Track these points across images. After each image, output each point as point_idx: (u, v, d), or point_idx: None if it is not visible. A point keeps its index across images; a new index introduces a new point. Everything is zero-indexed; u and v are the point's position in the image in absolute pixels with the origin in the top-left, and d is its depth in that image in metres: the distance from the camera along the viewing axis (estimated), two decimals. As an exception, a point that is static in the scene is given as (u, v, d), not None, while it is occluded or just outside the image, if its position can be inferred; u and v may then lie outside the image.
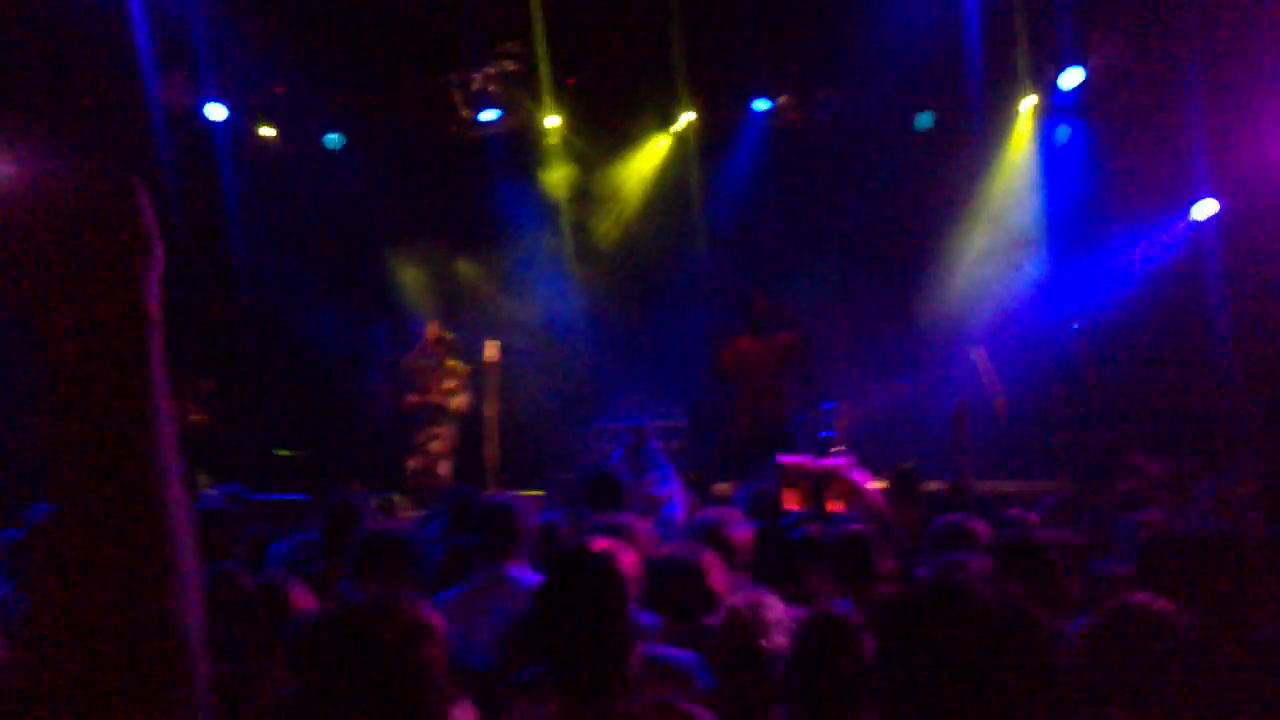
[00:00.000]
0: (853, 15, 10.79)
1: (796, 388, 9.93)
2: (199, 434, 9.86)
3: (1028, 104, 11.44)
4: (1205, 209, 10.84)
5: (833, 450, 10.58)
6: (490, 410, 10.05)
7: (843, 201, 11.95)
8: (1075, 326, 9.76)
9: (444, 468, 10.04)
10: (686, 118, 12.18)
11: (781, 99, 12.06)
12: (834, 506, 5.29)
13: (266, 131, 12.04)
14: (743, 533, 4.52)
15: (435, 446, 10.06)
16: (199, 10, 10.76)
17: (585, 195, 12.37)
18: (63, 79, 10.14)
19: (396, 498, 8.20)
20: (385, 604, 2.19)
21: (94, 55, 10.18)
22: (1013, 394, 9.63)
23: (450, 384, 10.25)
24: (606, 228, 12.38)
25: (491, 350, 10.12)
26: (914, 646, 1.93)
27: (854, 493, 5.65)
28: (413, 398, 10.12)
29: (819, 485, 5.60)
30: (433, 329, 10.26)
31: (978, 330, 10.56)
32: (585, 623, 2.59)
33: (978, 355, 9.71)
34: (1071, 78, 11.17)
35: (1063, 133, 11.52)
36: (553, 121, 12.18)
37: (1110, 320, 10.33)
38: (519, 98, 12.12)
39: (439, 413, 10.18)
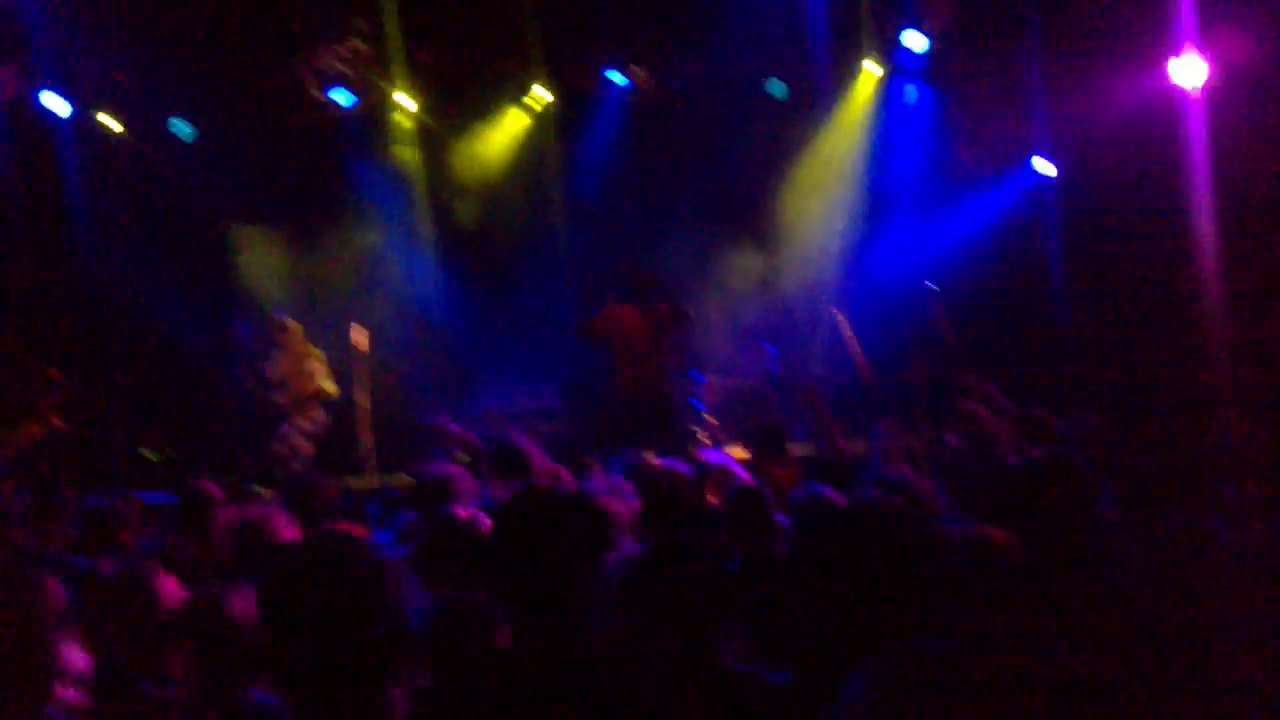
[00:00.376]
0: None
1: (674, 358, 10.11)
2: (61, 440, 9.58)
3: (873, 67, 11.71)
4: (1044, 167, 11.33)
5: (703, 419, 10.88)
6: (361, 398, 10.03)
7: (702, 171, 12.14)
8: (929, 285, 10.13)
9: (306, 449, 10.04)
10: (542, 93, 12.16)
11: (636, 71, 12.14)
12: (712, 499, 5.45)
13: (110, 122, 11.60)
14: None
15: (298, 432, 10.05)
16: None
17: (443, 175, 12.33)
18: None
19: (258, 488, 8.17)
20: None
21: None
22: (873, 354, 9.99)
23: (310, 368, 10.22)
24: (466, 207, 12.35)
25: (359, 336, 10.12)
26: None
27: (725, 476, 5.81)
28: (280, 398, 10.07)
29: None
30: (276, 322, 10.18)
31: (837, 294, 10.89)
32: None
33: (839, 319, 10.04)
34: (915, 40, 11.50)
35: (910, 94, 11.87)
36: (405, 101, 12.05)
37: (960, 277, 10.75)
38: (371, 77, 11.96)
39: (302, 400, 10.14)
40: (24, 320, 10.69)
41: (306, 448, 10.20)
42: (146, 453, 10.63)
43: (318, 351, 10.39)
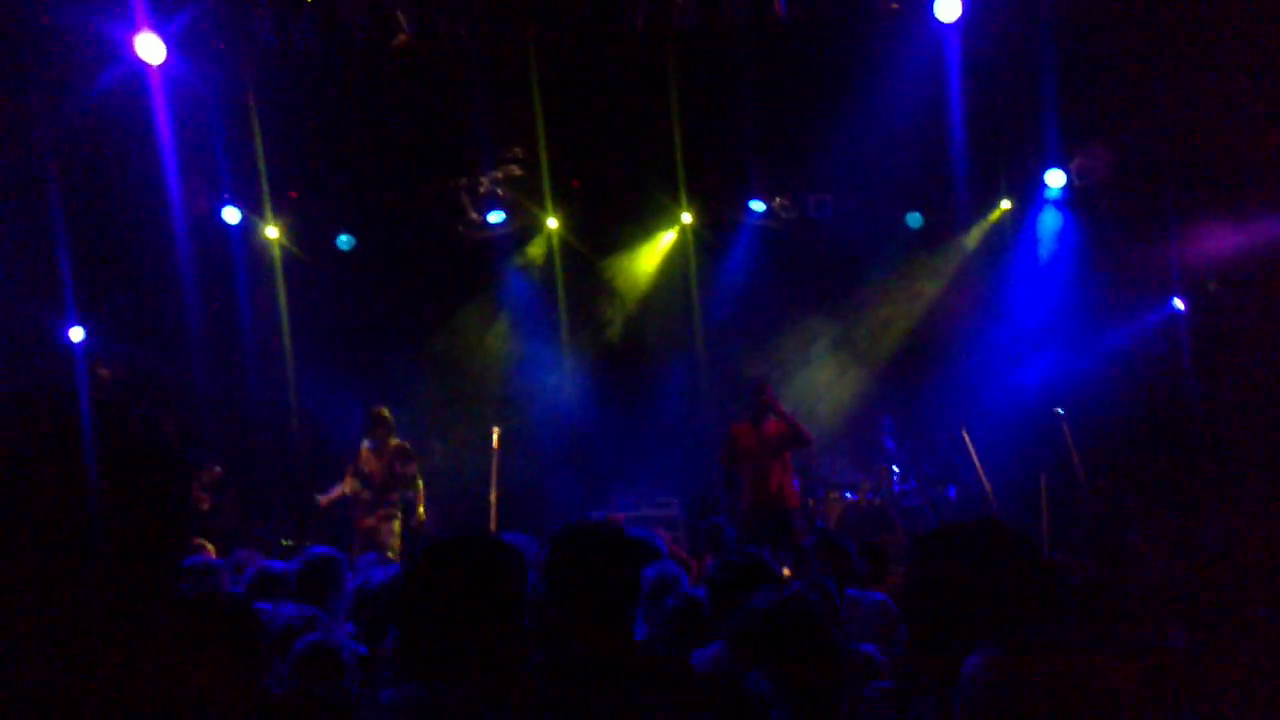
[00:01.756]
0: (844, 120, 11.32)
1: (796, 475, 10.25)
2: (206, 518, 10.24)
3: (1011, 203, 11.91)
4: (1180, 307, 11.34)
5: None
6: (493, 495, 10.42)
7: (837, 298, 12.40)
8: (1059, 411, 10.12)
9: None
10: (685, 219, 12.67)
11: (776, 200, 12.55)
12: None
13: (276, 233, 12.54)
14: None
15: (379, 521, 10.37)
16: (218, 117, 11.33)
17: (586, 293, 12.87)
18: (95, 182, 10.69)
19: None
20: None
21: (124, 159, 10.75)
22: (999, 477, 9.99)
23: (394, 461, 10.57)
24: (605, 323, 12.86)
25: (495, 437, 10.57)
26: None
27: None
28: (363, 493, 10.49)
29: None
30: (379, 411, 10.68)
31: (967, 417, 10.92)
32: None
33: (965, 440, 10.09)
34: (1056, 178, 11.68)
35: (1048, 228, 12.00)
36: (554, 223, 12.71)
37: (1093, 405, 10.71)
38: (524, 200, 12.68)
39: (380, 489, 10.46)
40: (185, 413, 11.46)
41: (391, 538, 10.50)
42: (285, 541, 11.19)
43: (404, 443, 10.76)
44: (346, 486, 10.59)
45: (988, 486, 10.00)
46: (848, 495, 11.55)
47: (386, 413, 10.69)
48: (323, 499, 10.63)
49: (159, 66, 10.05)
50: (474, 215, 12.89)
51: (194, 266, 11.70)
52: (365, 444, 10.64)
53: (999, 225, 12.38)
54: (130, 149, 11.04)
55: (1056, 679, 1.77)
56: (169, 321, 11.87)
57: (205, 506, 10.38)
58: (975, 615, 2.28)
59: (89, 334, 11.54)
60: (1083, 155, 11.87)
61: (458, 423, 12.31)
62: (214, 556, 7.47)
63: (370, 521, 10.46)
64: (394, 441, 10.63)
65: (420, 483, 10.67)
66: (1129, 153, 11.60)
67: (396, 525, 10.53)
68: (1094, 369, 11.37)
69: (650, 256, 13.14)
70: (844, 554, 6.29)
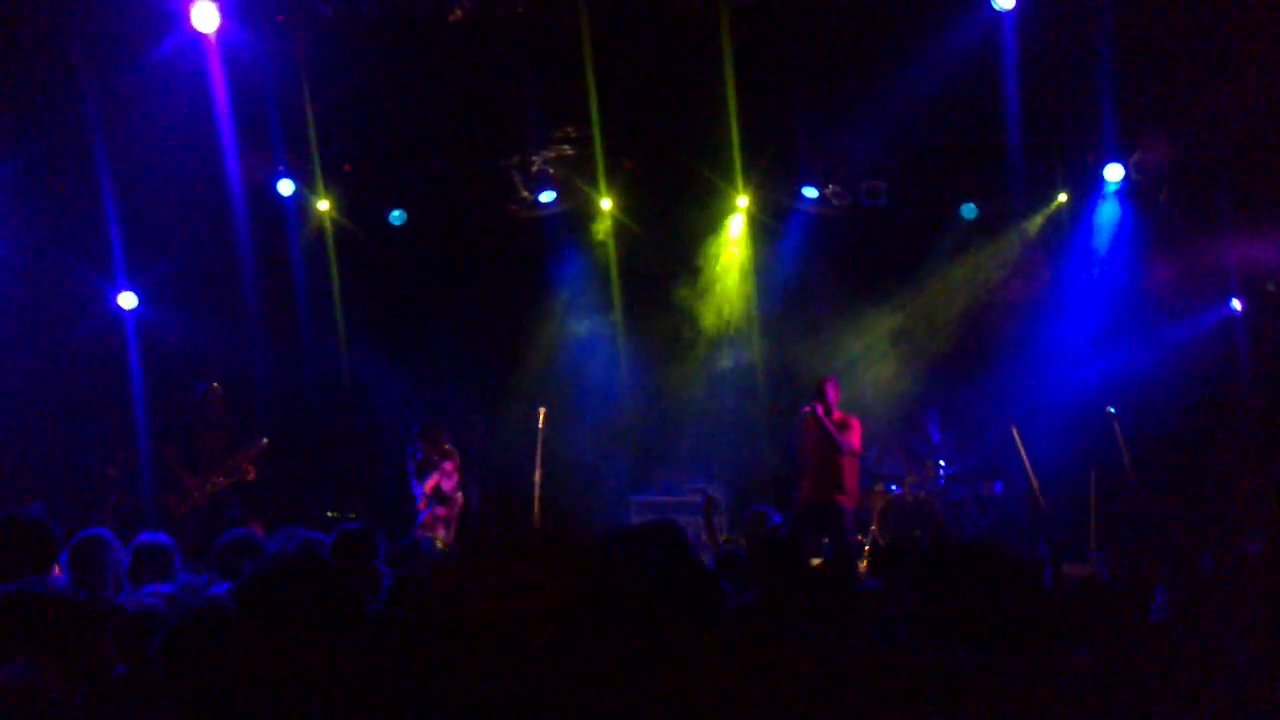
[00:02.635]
0: (899, 107, 11.23)
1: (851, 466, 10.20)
2: (253, 489, 10.38)
3: (1069, 195, 11.77)
4: (1238, 307, 11.18)
5: (868, 528, 10.94)
6: (537, 474, 10.49)
7: (890, 288, 12.34)
8: (1110, 411, 10.02)
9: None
10: (742, 203, 12.61)
11: (829, 187, 12.46)
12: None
13: (327, 205, 12.61)
14: None
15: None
16: (275, 88, 11.39)
17: (638, 275, 12.83)
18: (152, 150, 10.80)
19: None
20: None
21: (182, 128, 10.84)
22: (1048, 473, 9.91)
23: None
24: (659, 307, 12.80)
25: (542, 417, 10.64)
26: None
27: None
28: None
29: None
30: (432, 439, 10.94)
31: (1018, 412, 10.82)
32: None
33: (1015, 435, 10.01)
34: (1114, 172, 11.53)
35: (1105, 222, 11.86)
36: (608, 204, 12.69)
37: (1147, 405, 10.60)
38: (576, 180, 12.67)
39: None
40: (235, 382, 11.56)
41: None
42: (332, 514, 11.30)
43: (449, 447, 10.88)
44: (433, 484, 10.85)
45: (1034, 483, 9.92)
46: (893, 488, 11.49)
47: (436, 429, 11.03)
48: (427, 486, 10.79)
49: (215, 35, 10.14)
50: (525, 194, 12.91)
51: (248, 237, 11.80)
52: (446, 464, 10.90)
53: (1056, 218, 12.26)
54: (185, 118, 11.14)
55: None
56: (222, 291, 11.99)
57: (251, 477, 10.49)
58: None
59: (142, 301, 11.68)
60: (1142, 149, 11.70)
61: (505, 401, 12.35)
62: (260, 532, 7.56)
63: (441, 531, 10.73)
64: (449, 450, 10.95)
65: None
66: (1189, 148, 11.43)
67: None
68: (1149, 368, 11.24)
69: (706, 240, 13.07)
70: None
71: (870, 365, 12.55)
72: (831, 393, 10.17)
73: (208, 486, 10.21)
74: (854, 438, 10.02)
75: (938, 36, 10.49)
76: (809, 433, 10.15)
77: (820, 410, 10.02)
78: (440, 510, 10.76)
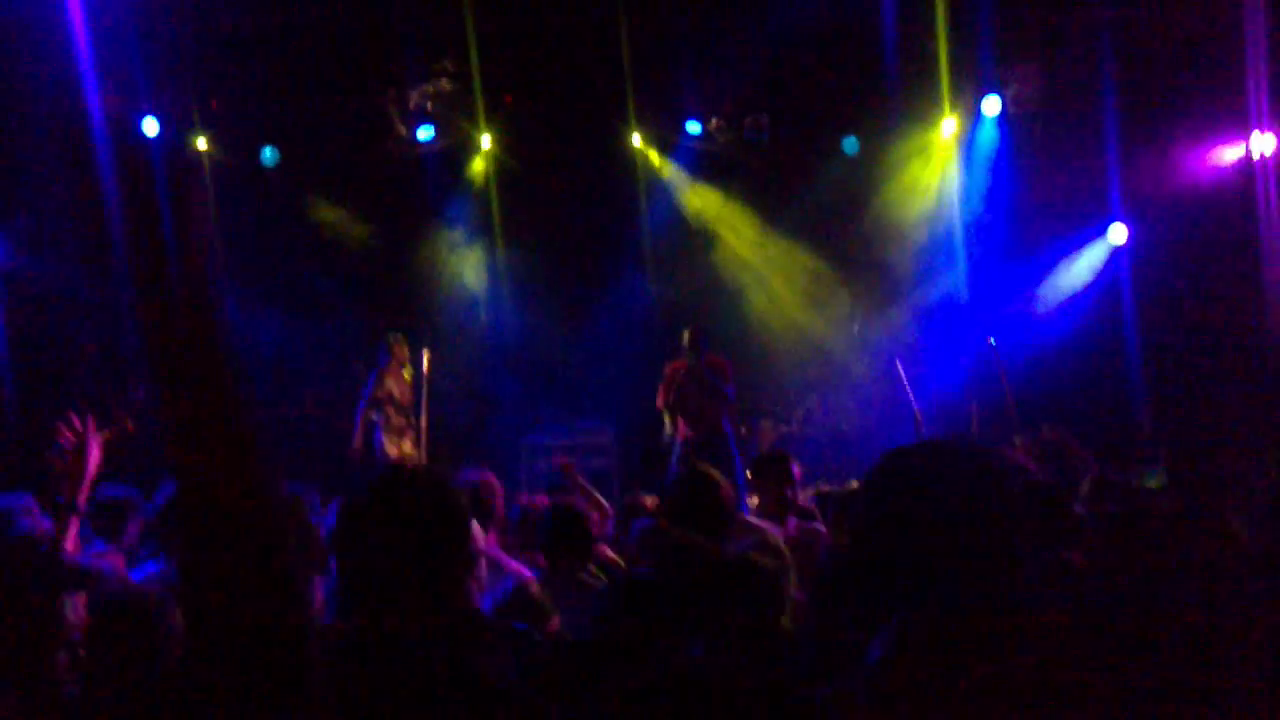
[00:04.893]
0: (780, 43, 11.33)
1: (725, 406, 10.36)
2: (131, 442, 10.15)
3: (948, 127, 11.99)
4: (1118, 233, 11.51)
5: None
6: (423, 420, 10.47)
7: (774, 222, 12.48)
8: (991, 342, 10.32)
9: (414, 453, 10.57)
10: (635, 140, 12.64)
11: (713, 122, 12.53)
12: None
13: (203, 145, 12.30)
14: None
15: (412, 446, 10.56)
16: (134, 23, 11.02)
17: (520, 212, 12.79)
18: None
19: None
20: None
21: (35, 66, 10.44)
22: (928, 405, 10.20)
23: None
24: (542, 245, 12.78)
25: (426, 361, 10.60)
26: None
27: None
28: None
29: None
30: (399, 345, 10.95)
31: (897, 345, 11.10)
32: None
33: (896, 368, 10.27)
34: (991, 105, 11.78)
35: (983, 152, 12.14)
36: (488, 142, 12.60)
37: (1026, 336, 10.97)
38: (456, 116, 12.53)
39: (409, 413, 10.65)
40: (107, 334, 11.30)
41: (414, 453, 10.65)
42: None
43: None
44: (370, 414, 10.81)
45: (918, 414, 10.21)
46: (780, 425, 11.75)
47: (404, 338, 10.97)
48: (357, 444, 10.74)
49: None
50: (402, 130, 12.73)
51: (112, 180, 11.43)
52: (383, 369, 10.87)
53: (936, 149, 12.46)
54: (42, 54, 10.73)
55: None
56: (87, 237, 11.64)
57: (131, 429, 10.27)
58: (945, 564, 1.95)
59: (5, 251, 11.32)
60: (1017, 81, 11.98)
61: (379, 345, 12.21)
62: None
63: (407, 447, 10.73)
64: (409, 367, 10.92)
65: None
66: (1061, 78, 11.73)
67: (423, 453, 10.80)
68: (1030, 299, 11.63)
69: (590, 176, 13.06)
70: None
71: (755, 296, 12.74)
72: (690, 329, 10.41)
73: (90, 440, 9.96)
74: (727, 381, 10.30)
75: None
76: (675, 373, 10.36)
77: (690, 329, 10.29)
78: (399, 420, 10.76)
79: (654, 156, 13.05)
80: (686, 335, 10.27)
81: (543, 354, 12.71)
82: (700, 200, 13.05)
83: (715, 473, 4.85)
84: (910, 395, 10.17)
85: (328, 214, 12.91)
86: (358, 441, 10.84)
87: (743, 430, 11.83)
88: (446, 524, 2.54)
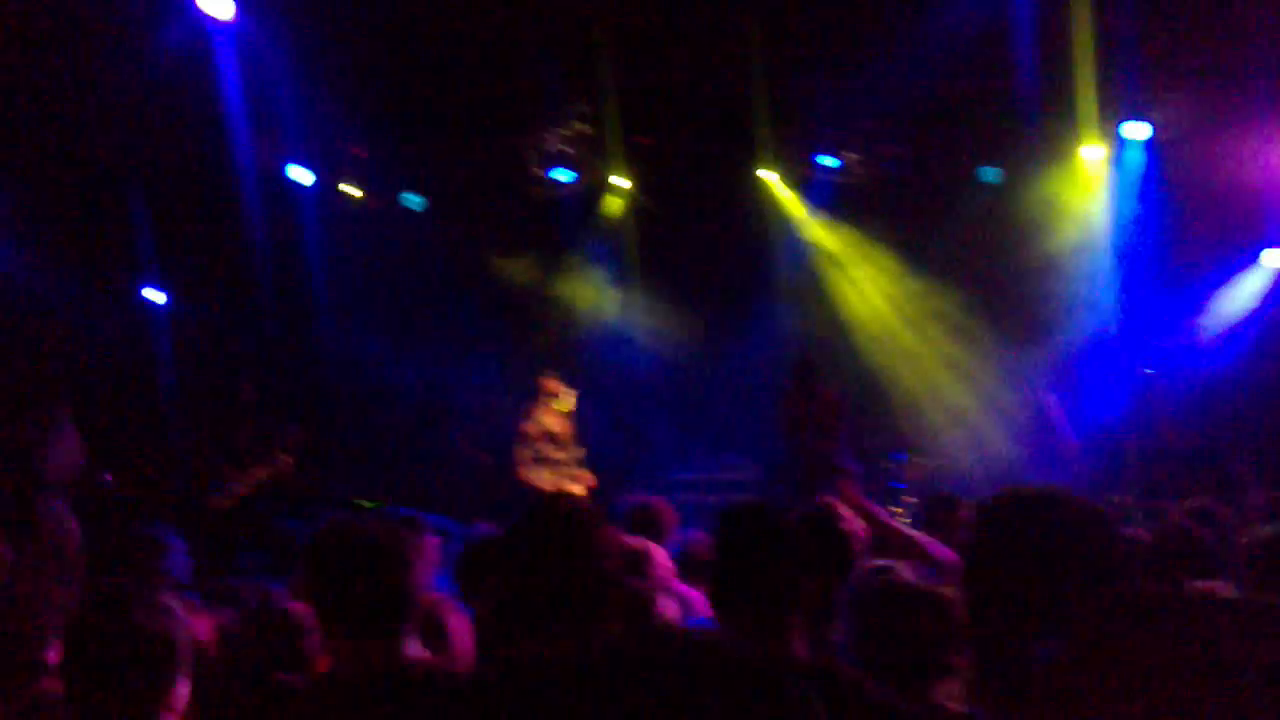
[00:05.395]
0: (915, 71, 11.27)
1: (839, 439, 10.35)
2: (286, 480, 10.42)
3: (1093, 153, 11.77)
4: (1275, 259, 11.19)
5: (902, 500, 11.03)
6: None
7: (911, 254, 12.38)
8: (1148, 371, 10.10)
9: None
10: (766, 175, 12.65)
11: (848, 155, 12.50)
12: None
13: (350, 190, 12.64)
14: None
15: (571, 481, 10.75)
16: (280, 72, 11.39)
17: (658, 251, 12.87)
18: (156, 140, 10.82)
19: None
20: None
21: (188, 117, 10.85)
22: (1082, 439, 10.00)
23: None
24: (677, 281, 12.84)
25: (572, 399, 10.74)
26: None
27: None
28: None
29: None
30: (550, 379, 11.00)
31: (1051, 378, 10.88)
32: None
33: (1050, 402, 10.09)
34: (1137, 130, 11.56)
35: (1130, 179, 11.90)
36: (625, 182, 12.73)
37: (1184, 369, 10.69)
38: (592, 158, 12.71)
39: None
40: (262, 373, 11.61)
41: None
42: (363, 502, 11.36)
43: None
44: (521, 450, 10.90)
45: (1074, 447, 10.01)
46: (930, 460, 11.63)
47: (555, 374, 11.08)
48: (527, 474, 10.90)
49: (224, 23, 10.11)
50: (539, 173, 12.95)
51: (265, 226, 11.83)
52: (536, 406, 10.97)
53: (1081, 176, 12.23)
54: (199, 107, 11.15)
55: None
56: (243, 283, 12.03)
57: (289, 468, 10.54)
58: (1047, 594, 2.18)
59: (169, 296, 11.74)
60: (1163, 105, 11.74)
61: (529, 381, 12.37)
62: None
63: (564, 482, 10.78)
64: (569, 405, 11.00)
65: None
66: (1211, 102, 11.47)
67: (583, 488, 10.83)
68: (1187, 329, 11.35)
69: (727, 213, 13.11)
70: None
71: (902, 333, 12.65)
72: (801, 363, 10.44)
73: (249, 480, 10.26)
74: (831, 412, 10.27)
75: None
76: (794, 406, 10.36)
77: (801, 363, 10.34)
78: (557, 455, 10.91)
79: (790, 192, 13.07)
80: (796, 371, 10.33)
81: (687, 391, 12.75)
82: (839, 234, 13.02)
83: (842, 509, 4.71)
84: (1066, 428, 9.99)
85: (473, 256, 13.14)
86: (520, 473, 10.97)
87: (889, 465, 11.73)
88: (588, 556, 2.56)
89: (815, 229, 13.09)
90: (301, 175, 12.46)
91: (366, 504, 11.40)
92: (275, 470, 10.39)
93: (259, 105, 11.56)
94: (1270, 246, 11.37)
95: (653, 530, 5.50)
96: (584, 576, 2.53)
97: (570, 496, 3.07)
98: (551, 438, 10.90)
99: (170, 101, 10.98)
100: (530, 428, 10.95)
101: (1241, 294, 11.58)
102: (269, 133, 11.97)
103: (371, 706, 2.64)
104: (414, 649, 2.78)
